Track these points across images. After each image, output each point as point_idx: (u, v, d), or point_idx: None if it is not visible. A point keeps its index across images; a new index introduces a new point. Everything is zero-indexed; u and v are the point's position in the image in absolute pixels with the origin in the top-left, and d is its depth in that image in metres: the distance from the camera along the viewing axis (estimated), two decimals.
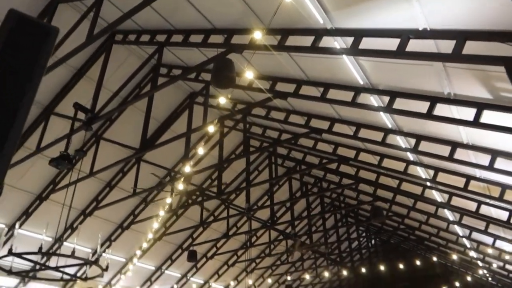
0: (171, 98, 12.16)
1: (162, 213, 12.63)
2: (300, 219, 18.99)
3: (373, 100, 7.83)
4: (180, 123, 12.22)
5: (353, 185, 13.81)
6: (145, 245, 14.68)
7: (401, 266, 19.00)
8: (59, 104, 10.30)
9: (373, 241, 24.61)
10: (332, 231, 20.33)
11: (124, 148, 11.78)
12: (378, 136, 9.27)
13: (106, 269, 8.77)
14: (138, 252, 14.65)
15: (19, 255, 8.14)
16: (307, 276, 19.92)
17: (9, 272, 8.34)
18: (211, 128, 9.25)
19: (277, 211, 18.52)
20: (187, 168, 10.49)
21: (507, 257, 14.06)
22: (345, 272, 19.53)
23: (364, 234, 22.79)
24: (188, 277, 18.34)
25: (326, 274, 19.85)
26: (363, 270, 18.68)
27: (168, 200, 12.41)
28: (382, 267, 18.79)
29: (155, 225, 13.18)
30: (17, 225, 9.59)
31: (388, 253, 24.13)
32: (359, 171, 12.69)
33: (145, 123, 9.94)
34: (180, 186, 11.23)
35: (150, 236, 13.77)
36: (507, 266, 15.93)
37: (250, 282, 19.32)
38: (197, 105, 11.68)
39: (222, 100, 7.62)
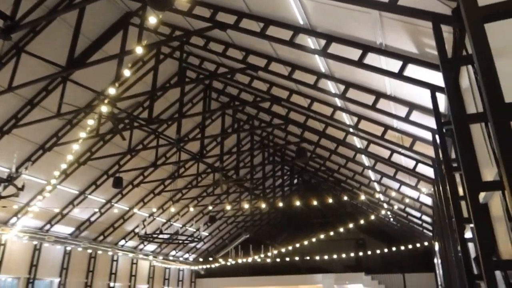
0: (105, 16, 11.36)
1: (85, 135, 12.20)
2: (229, 154, 19.47)
3: (311, 42, 8.00)
4: (113, 44, 11.56)
5: (283, 125, 14.36)
6: (67, 168, 14.26)
7: (317, 204, 20.53)
8: None
9: (295, 180, 26.16)
10: (259, 168, 21.22)
11: (49, 64, 10.97)
12: (311, 79, 9.60)
13: (22, 188, 8.49)
14: (60, 175, 14.23)
15: None
16: (228, 207, 20.84)
17: None
18: (144, 51, 8.89)
19: (207, 145, 18.79)
20: (116, 91, 10.13)
21: (407, 200, 15.85)
22: (266, 206, 20.70)
23: (288, 173, 24.07)
24: (112, 203, 18.34)
25: (247, 206, 20.89)
26: (283, 205, 19.92)
27: (93, 122, 11.95)
28: (300, 204, 20.19)
29: (80, 148, 12.78)
30: None
31: (308, 192, 25.92)
32: (289, 112, 13.16)
33: (74, 39, 9.30)
34: (107, 109, 10.85)
35: (74, 159, 13.35)
36: (407, 209, 17.99)
37: (173, 210, 19.80)
38: (133, 27, 11.07)
39: (153, 20, 7.29)
